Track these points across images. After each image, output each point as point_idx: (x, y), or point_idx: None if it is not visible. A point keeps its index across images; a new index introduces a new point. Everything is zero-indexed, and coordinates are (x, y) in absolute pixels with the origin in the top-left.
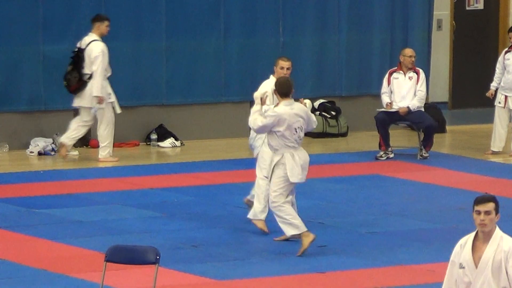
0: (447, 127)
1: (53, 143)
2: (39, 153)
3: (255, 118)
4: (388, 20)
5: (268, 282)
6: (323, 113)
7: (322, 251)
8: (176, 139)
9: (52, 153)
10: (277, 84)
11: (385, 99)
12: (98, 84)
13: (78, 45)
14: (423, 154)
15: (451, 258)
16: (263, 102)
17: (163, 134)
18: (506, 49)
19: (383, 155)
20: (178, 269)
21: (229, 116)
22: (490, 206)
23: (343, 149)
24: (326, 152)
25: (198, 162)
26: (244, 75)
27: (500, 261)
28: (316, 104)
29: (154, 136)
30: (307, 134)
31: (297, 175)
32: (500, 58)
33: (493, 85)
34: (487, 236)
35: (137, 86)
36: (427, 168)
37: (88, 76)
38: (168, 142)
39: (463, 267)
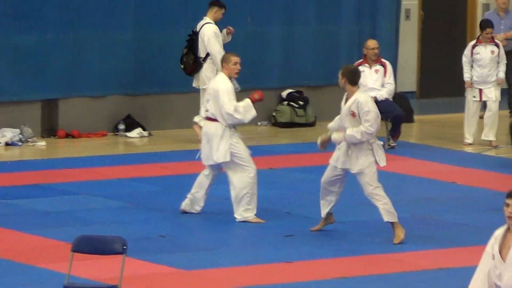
0: (415, 117)
1: (20, 133)
2: (7, 144)
3: (361, 131)
4: (356, 10)
5: (236, 272)
6: (291, 103)
7: (289, 241)
8: (144, 129)
9: (20, 143)
10: (348, 73)
11: None
12: (218, 64)
13: (194, 28)
14: (391, 144)
15: (486, 248)
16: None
17: (130, 124)
18: (474, 42)
19: None
20: (145, 259)
21: (196, 106)
22: None
23: (311, 138)
24: (294, 142)
25: (166, 152)
26: None
27: None
28: (284, 94)
29: (121, 127)
30: (274, 124)
31: (385, 160)
32: (467, 52)
33: (468, 76)
34: None
35: (105, 76)
36: (395, 157)
37: (202, 58)
38: (136, 132)
39: (494, 259)
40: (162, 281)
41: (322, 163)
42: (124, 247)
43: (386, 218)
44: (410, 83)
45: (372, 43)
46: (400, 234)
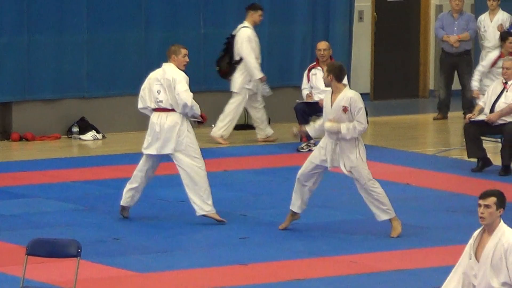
0: (369, 119)
1: None
2: None
3: (355, 126)
4: (309, 12)
5: (191, 274)
6: None
7: (244, 243)
8: (98, 132)
9: None
10: (337, 70)
11: (305, 93)
12: (252, 67)
13: (233, 32)
14: None
15: (465, 249)
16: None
17: (84, 127)
18: (498, 54)
19: (304, 147)
20: (100, 262)
21: None
22: (491, 200)
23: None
24: (248, 144)
25: (120, 155)
26: None
27: (500, 256)
28: None
29: (75, 129)
30: None
31: (365, 156)
32: (487, 63)
33: (477, 85)
34: (490, 229)
35: (58, 78)
36: None
37: (236, 61)
38: (90, 135)
39: (471, 259)
40: (117, 284)
41: (277, 165)
42: (79, 250)
43: (382, 217)
44: (363, 85)
45: (321, 45)
46: (397, 226)
